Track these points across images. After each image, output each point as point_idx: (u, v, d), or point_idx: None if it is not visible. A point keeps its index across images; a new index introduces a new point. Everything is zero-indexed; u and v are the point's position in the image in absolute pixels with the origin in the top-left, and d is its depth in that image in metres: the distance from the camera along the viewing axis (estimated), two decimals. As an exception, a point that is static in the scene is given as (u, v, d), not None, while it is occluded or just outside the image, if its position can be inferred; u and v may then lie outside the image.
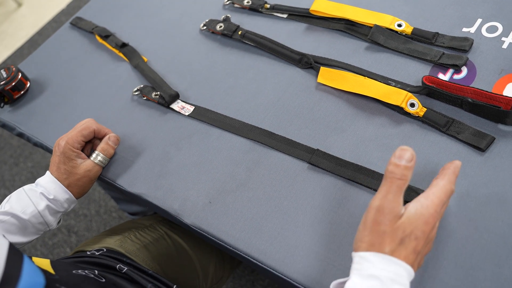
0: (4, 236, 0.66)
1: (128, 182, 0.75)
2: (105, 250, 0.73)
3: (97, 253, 0.72)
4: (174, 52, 0.91)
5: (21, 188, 0.71)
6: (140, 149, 0.78)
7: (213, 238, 0.66)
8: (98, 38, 0.98)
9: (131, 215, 1.27)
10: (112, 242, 0.76)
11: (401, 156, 0.47)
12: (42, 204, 0.69)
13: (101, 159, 0.74)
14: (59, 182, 0.70)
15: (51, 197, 0.70)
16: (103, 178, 0.78)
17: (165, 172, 0.74)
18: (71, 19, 1.06)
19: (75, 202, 0.73)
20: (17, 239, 0.68)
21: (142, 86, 0.85)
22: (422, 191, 0.60)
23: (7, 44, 2.55)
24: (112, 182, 0.76)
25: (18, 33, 2.59)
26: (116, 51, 0.94)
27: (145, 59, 0.91)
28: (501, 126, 0.63)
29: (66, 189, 0.71)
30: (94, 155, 0.74)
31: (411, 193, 0.60)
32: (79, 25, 1.03)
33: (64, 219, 1.69)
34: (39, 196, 0.69)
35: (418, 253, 0.47)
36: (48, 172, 0.72)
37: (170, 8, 0.99)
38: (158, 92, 0.82)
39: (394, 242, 0.45)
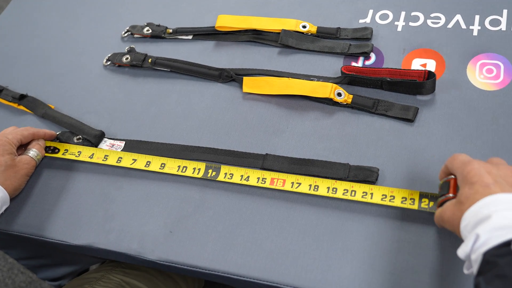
0: None
1: (71, 235, 0.69)
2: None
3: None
4: (82, 93, 0.86)
5: None
6: (75, 197, 0.72)
7: (185, 267, 0.63)
8: (-12, 95, 0.89)
9: (54, 282, 1.15)
10: (68, 306, 0.69)
11: None
12: None
13: (35, 154, 0.74)
14: None
15: None
16: (38, 239, 0.70)
17: (112, 214, 0.69)
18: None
19: (7, 202, 0.69)
20: None
21: (59, 133, 0.79)
22: (365, 169, 0.64)
23: None
24: (53, 241, 0.69)
25: None
26: (15, 105, 0.86)
27: (52, 106, 0.84)
28: (419, 97, 0.71)
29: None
30: (28, 151, 0.74)
31: (364, 172, 0.64)
32: (-40, 85, 0.93)
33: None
34: None
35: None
36: None
37: (65, 49, 0.93)
38: (80, 136, 0.77)
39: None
